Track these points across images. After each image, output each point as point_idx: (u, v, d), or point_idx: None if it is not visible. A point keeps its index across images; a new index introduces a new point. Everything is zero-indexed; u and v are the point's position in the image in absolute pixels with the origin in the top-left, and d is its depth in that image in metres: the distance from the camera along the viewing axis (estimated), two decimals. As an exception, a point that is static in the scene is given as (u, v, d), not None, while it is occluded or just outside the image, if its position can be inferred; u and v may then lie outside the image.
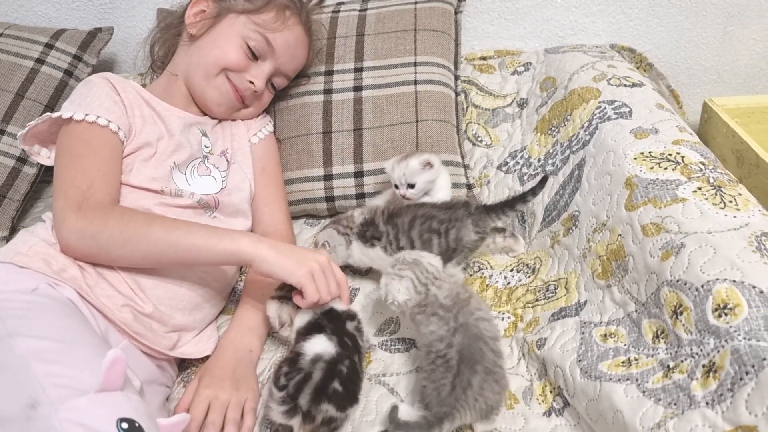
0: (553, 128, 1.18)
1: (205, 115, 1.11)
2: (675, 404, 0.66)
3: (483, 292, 1.01)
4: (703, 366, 0.66)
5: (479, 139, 1.31)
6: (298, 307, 0.88)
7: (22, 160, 1.25)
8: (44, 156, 0.98)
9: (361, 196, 1.20)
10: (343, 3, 1.36)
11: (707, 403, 0.63)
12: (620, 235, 0.88)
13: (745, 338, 0.64)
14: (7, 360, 0.64)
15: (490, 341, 0.77)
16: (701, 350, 0.67)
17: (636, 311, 0.80)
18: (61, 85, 1.31)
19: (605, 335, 0.81)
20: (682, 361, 0.69)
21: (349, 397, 0.78)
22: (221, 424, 0.80)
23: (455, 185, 1.17)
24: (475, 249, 1.00)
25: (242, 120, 1.15)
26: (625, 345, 0.77)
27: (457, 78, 1.31)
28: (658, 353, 0.73)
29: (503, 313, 0.96)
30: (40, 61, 1.31)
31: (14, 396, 0.60)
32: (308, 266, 0.84)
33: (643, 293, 0.80)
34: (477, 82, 1.38)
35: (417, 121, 1.20)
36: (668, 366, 0.70)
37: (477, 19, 1.47)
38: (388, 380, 0.87)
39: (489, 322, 0.79)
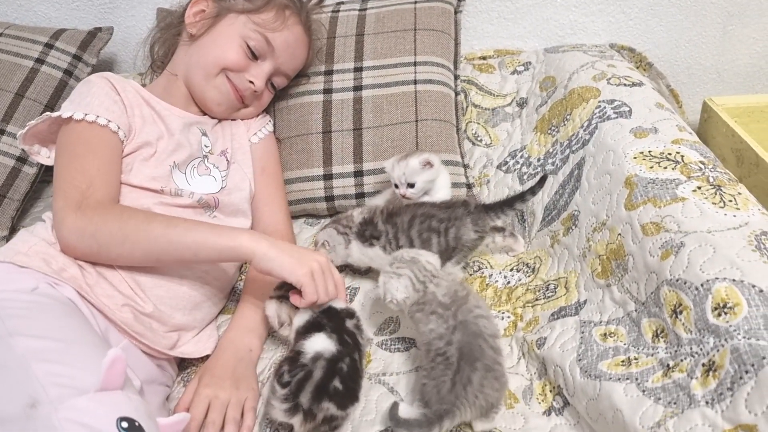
0: (552, 128, 1.18)
1: (205, 114, 1.11)
2: (675, 403, 0.66)
3: (483, 291, 1.01)
4: (703, 365, 0.66)
5: (479, 138, 1.31)
6: (297, 307, 0.88)
7: (22, 159, 1.25)
8: (44, 156, 0.98)
9: (360, 196, 1.21)
10: (342, 3, 1.36)
11: (707, 402, 0.63)
12: (620, 234, 0.88)
13: (744, 337, 0.64)
14: (7, 359, 0.64)
15: (490, 338, 0.77)
16: (701, 349, 0.67)
17: (636, 310, 0.80)
18: (60, 85, 1.31)
19: (605, 334, 0.81)
20: (681, 360, 0.69)
21: (349, 396, 0.78)
22: (221, 424, 0.80)
23: (455, 185, 1.17)
24: (475, 248, 1.00)
25: (242, 120, 1.15)
26: (624, 344, 0.77)
27: (456, 77, 1.31)
28: (658, 352, 0.73)
29: (503, 313, 0.96)
30: (39, 60, 1.31)
31: (14, 395, 0.60)
32: (309, 266, 0.84)
33: (643, 292, 0.80)
34: (477, 81, 1.38)
35: (417, 121, 1.20)
36: (668, 365, 0.70)
37: (477, 19, 1.47)
38: (387, 379, 0.87)
39: (488, 319, 0.80)
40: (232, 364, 0.87)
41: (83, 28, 1.42)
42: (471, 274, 1.05)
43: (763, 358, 0.61)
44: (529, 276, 1.02)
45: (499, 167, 1.24)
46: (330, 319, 0.85)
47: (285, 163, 1.22)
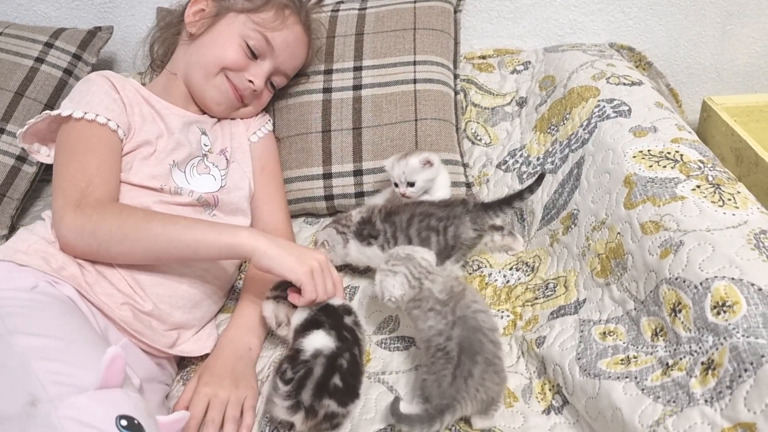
0: (552, 127, 1.18)
1: (204, 113, 1.11)
2: (674, 402, 0.66)
3: (482, 290, 1.01)
4: (702, 363, 0.66)
5: (478, 137, 1.31)
6: (295, 307, 0.88)
7: (22, 158, 1.25)
8: (44, 154, 0.98)
9: (360, 195, 1.21)
10: (342, 2, 1.36)
11: (706, 401, 0.63)
12: (619, 233, 0.88)
13: (743, 335, 0.64)
14: (6, 358, 0.64)
15: (489, 332, 0.77)
16: (700, 348, 0.67)
17: (635, 309, 0.80)
18: (60, 84, 1.31)
19: (604, 333, 0.81)
20: (681, 359, 0.69)
21: (350, 393, 0.78)
22: (221, 422, 0.80)
23: (454, 184, 1.17)
24: (474, 246, 1.00)
25: (241, 119, 1.16)
26: (624, 343, 0.78)
27: (456, 77, 1.31)
28: (657, 351, 0.73)
29: (502, 312, 0.96)
30: (39, 60, 1.31)
31: (14, 394, 0.60)
32: (309, 264, 0.84)
33: (642, 291, 0.80)
34: (476, 80, 1.38)
35: (416, 120, 1.20)
36: (667, 364, 0.70)
37: (476, 18, 1.47)
38: (387, 378, 0.87)
39: (486, 313, 0.80)
40: (232, 362, 0.88)
41: (83, 27, 1.42)
42: (470, 273, 1.05)
43: (762, 356, 0.61)
44: (528, 275, 1.02)
45: (498, 166, 1.24)
46: (328, 315, 0.85)
47: (284, 162, 1.22)
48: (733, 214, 0.78)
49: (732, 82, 1.56)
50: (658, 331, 0.75)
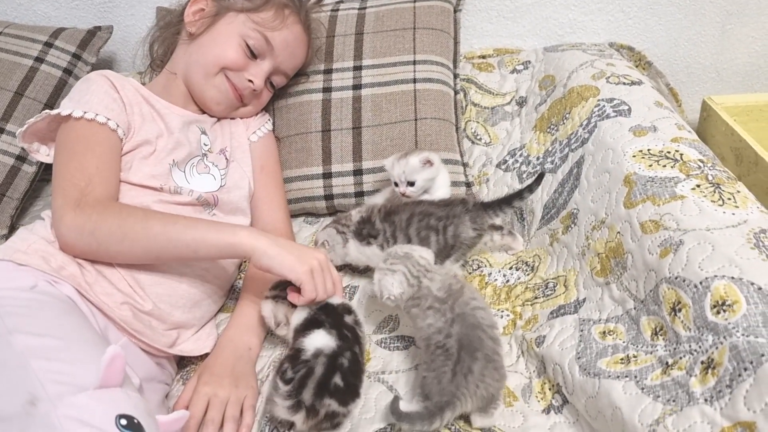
0: (552, 126, 1.18)
1: (204, 113, 1.11)
2: (674, 401, 0.66)
3: (482, 289, 1.01)
4: (702, 362, 0.66)
5: (478, 137, 1.31)
6: (294, 306, 0.88)
7: (22, 158, 1.25)
8: (43, 154, 0.98)
9: (360, 195, 1.21)
10: (342, 1, 1.36)
11: (706, 400, 0.63)
12: (619, 232, 0.88)
13: (743, 335, 0.64)
14: (6, 357, 0.64)
15: (488, 329, 0.77)
16: (700, 347, 0.67)
17: (635, 308, 0.80)
18: (60, 84, 1.31)
19: (604, 332, 0.81)
20: (680, 358, 0.69)
21: (350, 392, 0.78)
22: (220, 421, 0.80)
23: (454, 183, 1.17)
24: (473, 246, 1.00)
25: (241, 118, 1.15)
26: (623, 342, 0.78)
27: (456, 76, 1.31)
28: (657, 350, 0.73)
29: (502, 311, 0.96)
30: (39, 59, 1.31)
31: (13, 393, 0.60)
32: (309, 264, 0.84)
33: (642, 290, 0.80)
34: (476, 80, 1.38)
35: (416, 120, 1.20)
36: (667, 363, 0.70)
37: (476, 18, 1.47)
38: (387, 378, 0.87)
39: (484, 310, 0.80)
40: (231, 362, 0.87)
41: (83, 26, 1.42)
42: (470, 273, 1.05)
43: (762, 355, 0.61)
44: (528, 274, 1.02)
45: (498, 166, 1.24)
46: (328, 314, 0.85)
47: (284, 161, 1.22)
48: (733, 214, 0.78)
49: (732, 82, 1.56)
50: (657, 330, 0.75)
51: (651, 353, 0.73)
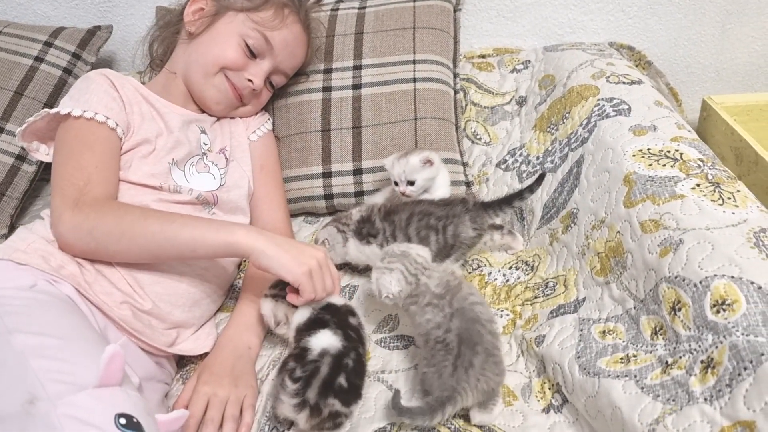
0: (551, 126, 1.18)
1: (204, 112, 1.11)
2: (673, 400, 0.66)
3: (482, 289, 1.01)
4: (702, 362, 0.66)
5: (478, 136, 1.31)
6: (294, 306, 0.88)
7: (21, 158, 1.25)
8: (43, 153, 0.98)
9: (360, 194, 1.21)
10: (342, 1, 1.36)
11: (705, 399, 0.63)
12: (619, 231, 0.88)
13: (743, 334, 0.64)
14: (5, 356, 0.64)
15: (487, 323, 0.78)
16: (699, 346, 0.67)
17: (634, 308, 0.80)
18: (60, 83, 1.31)
19: (604, 332, 0.81)
20: (680, 357, 0.69)
21: (353, 393, 0.79)
22: (220, 421, 0.80)
23: (454, 183, 1.17)
24: (473, 245, 1.00)
25: (241, 118, 1.15)
26: (623, 341, 0.78)
27: (456, 76, 1.31)
28: (657, 349, 0.73)
29: (502, 311, 0.96)
30: (39, 59, 1.31)
31: (13, 392, 0.60)
32: (308, 264, 0.84)
33: (642, 290, 0.80)
34: (476, 80, 1.38)
35: (416, 119, 1.20)
36: (667, 362, 0.70)
37: (476, 17, 1.47)
38: (387, 377, 0.87)
39: (483, 305, 0.80)
40: (231, 361, 0.87)
41: (82, 26, 1.42)
42: (470, 272, 1.05)
43: (762, 354, 0.61)
44: (528, 274, 1.02)
45: (498, 165, 1.24)
46: (332, 315, 0.85)
47: (284, 161, 1.22)
48: (733, 213, 0.78)
49: (731, 81, 1.56)
50: (657, 329, 0.75)
51: (651, 353, 0.73)
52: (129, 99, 0.98)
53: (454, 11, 1.35)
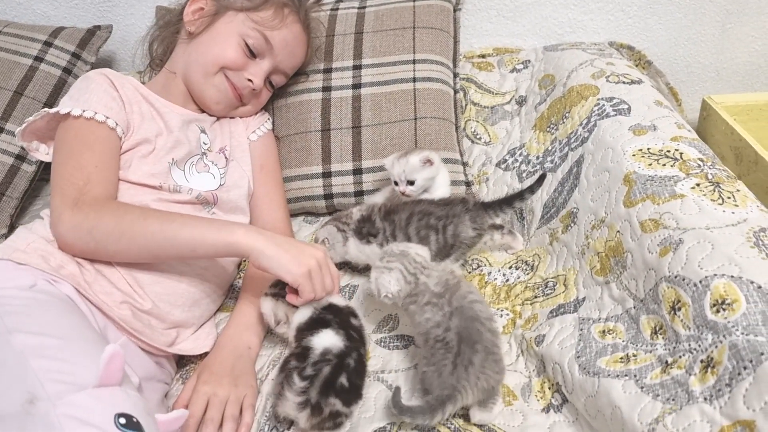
0: (551, 125, 1.18)
1: (204, 112, 1.11)
2: (673, 400, 0.66)
3: (482, 288, 1.01)
4: (701, 361, 0.66)
5: (478, 136, 1.31)
6: (295, 306, 0.88)
7: (21, 157, 1.25)
8: (43, 152, 0.98)
9: (359, 194, 1.20)
10: (341, 0, 1.36)
11: (705, 399, 0.63)
12: (619, 231, 0.88)
13: (743, 333, 0.64)
14: (5, 356, 0.64)
15: (486, 322, 0.78)
16: (699, 346, 0.67)
17: (634, 307, 0.80)
18: (59, 83, 1.31)
19: (603, 332, 0.81)
20: (680, 357, 0.69)
21: (354, 393, 0.79)
22: (220, 421, 0.80)
23: (454, 182, 1.17)
24: (473, 245, 1.00)
25: (240, 117, 1.15)
26: (623, 341, 0.77)
27: (455, 75, 1.31)
28: (657, 349, 0.73)
29: (502, 310, 0.96)
30: (38, 59, 1.31)
31: (12, 392, 0.60)
32: (307, 264, 0.84)
33: (642, 289, 0.80)
34: (476, 79, 1.38)
35: (416, 119, 1.20)
36: (666, 362, 0.70)
37: (476, 17, 1.47)
38: (386, 377, 0.87)
39: (482, 303, 0.80)
40: (231, 361, 0.87)
41: (82, 26, 1.42)
42: (470, 272, 1.05)
43: (761, 354, 0.61)
44: (527, 273, 1.02)
45: (498, 165, 1.24)
46: (334, 315, 0.85)
47: (284, 161, 1.22)
48: (733, 212, 0.78)
49: (731, 81, 1.56)
50: (657, 329, 0.75)
51: (650, 352, 0.73)
52: (129, 98, 0.98)
53: (454, 11, 1.35)
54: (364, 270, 1.08)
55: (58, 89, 1.31)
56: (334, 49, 1.26)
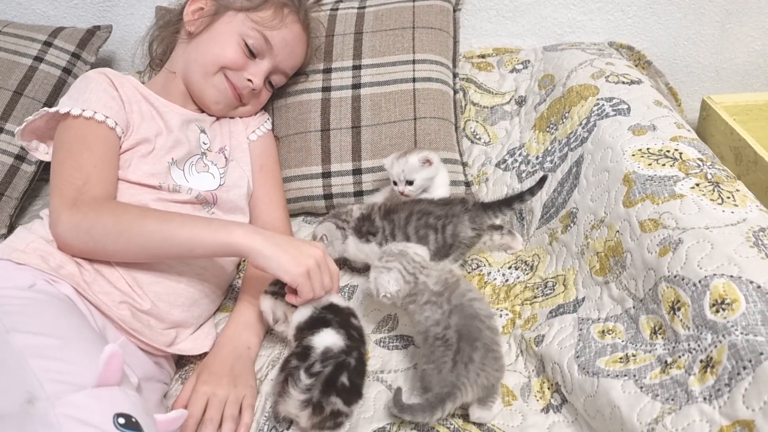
0: (551, 126, 1.18)
1: (203, 112, 1.11)
2: (672, 399, 0.66)
3: (481, 288, 1.01)
4: (701, 361, 0.66)
5: (477, 136, 1.31)
6: (294, 306, 0.88)
7: (21, 157, 1.25)
8: (42, 152, 0.98)
9: (359, 194, 1.21)
10: (341, 1, 1.36)
11: (705, 399, 0.63)
12: (618, 231, 0.88)
13: (742, 333, 0.64)
14: (4, 356, 0.64)
15: (486, 319, 0.78)
16: (699, 345, 0.67)
17: (634, 307, 0.80)
18: (59, 83, 1.31)
19: (603, 332, 0.81)
20: (679, 357, 0.69)
21: (354, 392, 0.79)
22: (219, 421, 0.80)
23: (454, 182, 1.17)
24: (472, 245, 1.00)
25: (240, 117, 1.15)
26: (622, 341, 0.77)
27: (455, 76, 1.31)
28: (656, 349, 0.73)
29: (501, 310, 0.96)
30: (38, 59, 1.31)
31: (12, 392, 0.60)
32: (305, 264, 0.83)
33: (641, 289, 0.80)
34: (475, 79, 1.38)
35: (415, 119, 1.20)
36: (666, 362, 0.70)
37: (475, 17, 1.47)
38: (386, 377, 0.87)
39: (481, 301, 0.80)
40: (230, 361, 0.87)
41: (82, 26, 1.42)
42: (469, 272, 1.05)
43: (761, 353, 0.61)
44: (527, 274, 1.02)
45: (497, 165, 1.24)
46: (335, 314, 0.85)
47: (283, 161, 1.22)
48: (732, 212, 0.78)
49: (731, 81, 1.56)
50: (656, 329, 0.75)
51: (650, 352, 0.73)
52: (128, 98, 0.98)
53: (454, 11, 1.35)
54: (363, 270, 1.08)
55: (58, 89, 1.31)
56: (334, 49, 1.26)
